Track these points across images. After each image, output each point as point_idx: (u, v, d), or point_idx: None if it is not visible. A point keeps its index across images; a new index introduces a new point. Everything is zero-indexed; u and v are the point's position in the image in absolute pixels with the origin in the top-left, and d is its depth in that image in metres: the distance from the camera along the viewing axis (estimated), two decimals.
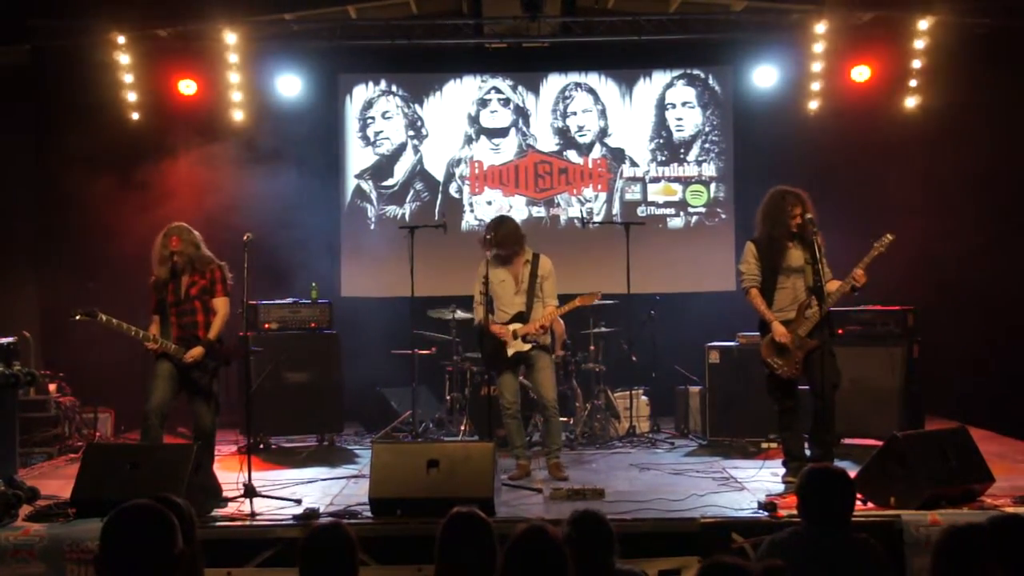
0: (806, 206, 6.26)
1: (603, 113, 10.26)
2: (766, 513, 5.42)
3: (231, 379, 7.44)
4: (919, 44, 9.23)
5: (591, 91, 10.29)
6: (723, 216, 10.18)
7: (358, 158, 10.32)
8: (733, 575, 3.01)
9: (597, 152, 10.25)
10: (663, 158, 10.24)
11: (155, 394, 6.33)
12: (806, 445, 6.38)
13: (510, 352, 6.86)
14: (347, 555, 3.37)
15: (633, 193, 10.23)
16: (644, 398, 8.74)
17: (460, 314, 8.51)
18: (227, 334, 6.70)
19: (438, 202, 10.25)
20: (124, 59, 9.33)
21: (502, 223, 7.01)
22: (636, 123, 10.24)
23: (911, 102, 9.44)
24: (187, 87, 9.56)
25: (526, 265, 6.98)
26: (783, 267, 6.33)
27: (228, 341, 6.73)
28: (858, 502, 4.91)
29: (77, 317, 6.27)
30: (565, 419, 8.37)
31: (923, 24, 9.15)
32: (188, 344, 6.43)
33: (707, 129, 10.22)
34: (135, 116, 9.54)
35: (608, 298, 8.53)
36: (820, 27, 9.28)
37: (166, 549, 2.55)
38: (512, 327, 6.87)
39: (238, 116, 9.66)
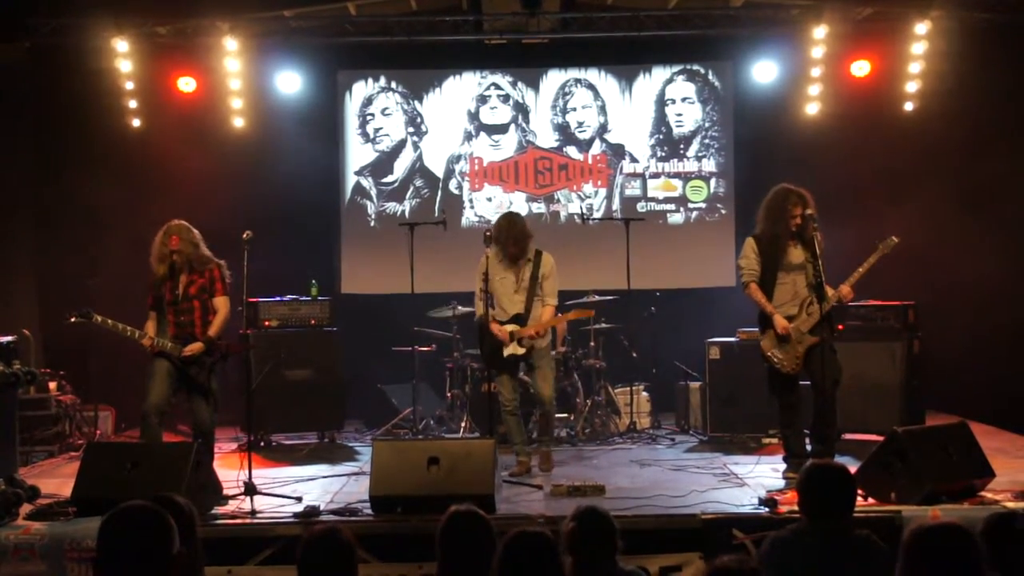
0: (808, 205, 6.26)
1: (603, 109, 10.24)
2: (767, 509, 5.41)
3: (231, 377, 7.44)
4: (919, 39, 9.20)
5: (591, 87, 10.26)
6: (723, 212, 10.16)
7: (358, 155, 10.30)
8: None
9: (597, 148, 10.23)
10: (663, 154, 10.22)
11: (153, 392, 6.33)
12: (807, 441, 6.39)
13: (506, 354, 6.85)
14: (345, 561, 3.36)
15: (633, 189, 10.21)
16: (645, 394, 8.74)
17: (461, 309, 8.50)
18: (227, 332, 6.70)
19: (438, 199, 10.23)
20: (123, 57, 9.29)
21: (513, 223, 6.94)
22: (636, 119, 10.22)
23: (911, 97, 9.41)
24: (186, 84, 9.54)
25: (528, 264, 6.92)
26: (783, 264, 6.33)
27: (226, 338, 6.72)
28: (859, 498, 4.90)
29: (72, 320, 6.27)
30: (566, 415, 8.39)
31: (923, 21, 9.11)
32: (184, 342, 6.43)
33: (707, 125, 10.19)
34: (134, 114, 9.50)
35: (608, 294, 8.55)
36: (819, 23, 9.26)
37: (163, 550, 2.54)
38: (509, 328, 6.85)
39: (237, 113, 9.64)
